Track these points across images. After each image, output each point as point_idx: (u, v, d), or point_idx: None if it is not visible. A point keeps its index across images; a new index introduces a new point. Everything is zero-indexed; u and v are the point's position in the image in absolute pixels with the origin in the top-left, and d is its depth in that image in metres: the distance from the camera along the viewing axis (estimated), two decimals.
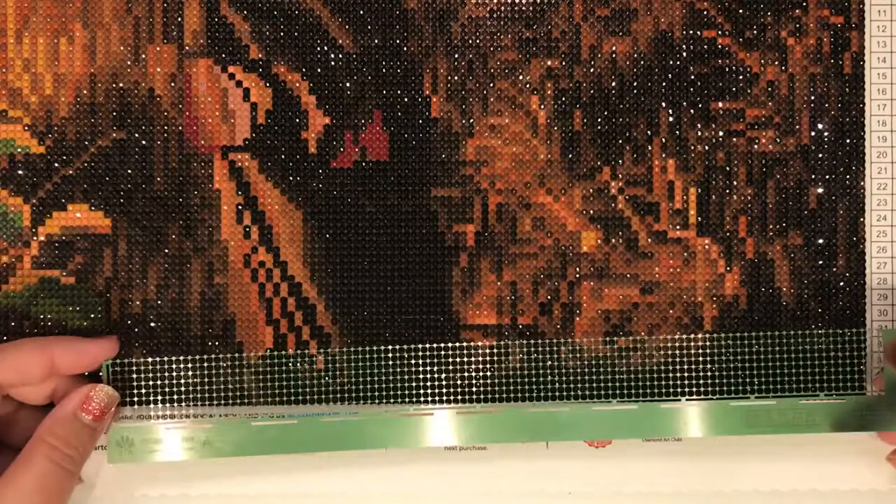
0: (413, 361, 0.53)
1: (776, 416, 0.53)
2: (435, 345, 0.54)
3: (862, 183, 0.54)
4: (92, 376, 0.52)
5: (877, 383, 0.53)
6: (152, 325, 0.53)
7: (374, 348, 0.53)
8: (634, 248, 0.54)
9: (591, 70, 0.54)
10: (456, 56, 0.54)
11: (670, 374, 0.54)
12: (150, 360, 0.53)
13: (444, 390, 0.53)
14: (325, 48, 0.54)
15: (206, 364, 0.53)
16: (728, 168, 0.54)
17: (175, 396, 0.53)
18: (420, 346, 0.53)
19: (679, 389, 0.54)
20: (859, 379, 0.54)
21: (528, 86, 0.54)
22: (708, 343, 0.54)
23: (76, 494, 0.53)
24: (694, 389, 0.54)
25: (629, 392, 0.54)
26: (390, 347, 0.53)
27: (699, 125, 0.54)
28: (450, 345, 0.54)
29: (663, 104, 0.54)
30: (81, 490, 0.54)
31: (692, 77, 0.54)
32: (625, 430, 0.53)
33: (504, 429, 0.53)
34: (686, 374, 0.54)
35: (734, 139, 0.54)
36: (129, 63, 0.54)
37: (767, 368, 0.54)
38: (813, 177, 0.54)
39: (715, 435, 0.53)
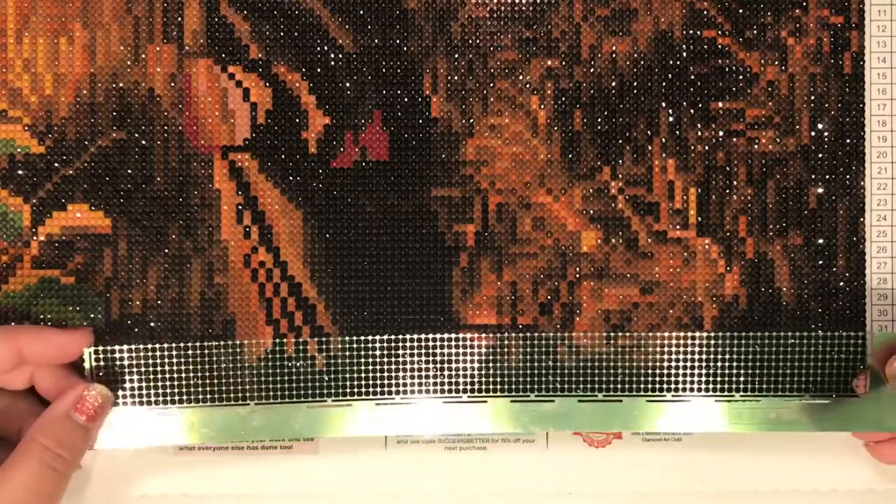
0: (410, 356, 0.54)
1: (761, 415, 0.53)
2: (433, 336, 0.54)
3: (862, 183, 0.54)
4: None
5: (861, 382, 0.53)
6: (152, 325, 0.53)
7: (371, 337, 0.53)
8: (634, 248, 0.54)
9: (591, 70, 0.54)
10: (456, 56, 0.54)
11: (670, 374, 0.54)
12: (139, 346, 0.53)
13: (442, 386, 0.53)
14: (325, 48, 0.54)
15: (200, 357, 0.53)
16: (728, 168, 0.54)
17: (170, 396, 0.53)
18: (418, 336, 0.53)
19: (678, 388, 0.54)
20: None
21: (528, 86, 0.54)
22: (708, 343, 0.54)
23: (73, 485, 0.53)
24: (692, 388, 0.54)
25: (625, 390, 0.54)
26: (388, 338, 0.53)
27: (699, 125, 0.54)
28: (450, 336, 0.54)
29: (663, 104, 0.54)
30: (81, 489, 0.54)
31: (692, 77, 0.54)
32: (616, 424, 0.53)
33: (490, 419, 0.53)
34: (686, 374, 0.54)
35: (734, 139, 0.54)
36: (129, 63, 0.54)
37: (767, 368, 0.54)
38: (813, 177, 0.54)
39: (701, 431, 0.54)
